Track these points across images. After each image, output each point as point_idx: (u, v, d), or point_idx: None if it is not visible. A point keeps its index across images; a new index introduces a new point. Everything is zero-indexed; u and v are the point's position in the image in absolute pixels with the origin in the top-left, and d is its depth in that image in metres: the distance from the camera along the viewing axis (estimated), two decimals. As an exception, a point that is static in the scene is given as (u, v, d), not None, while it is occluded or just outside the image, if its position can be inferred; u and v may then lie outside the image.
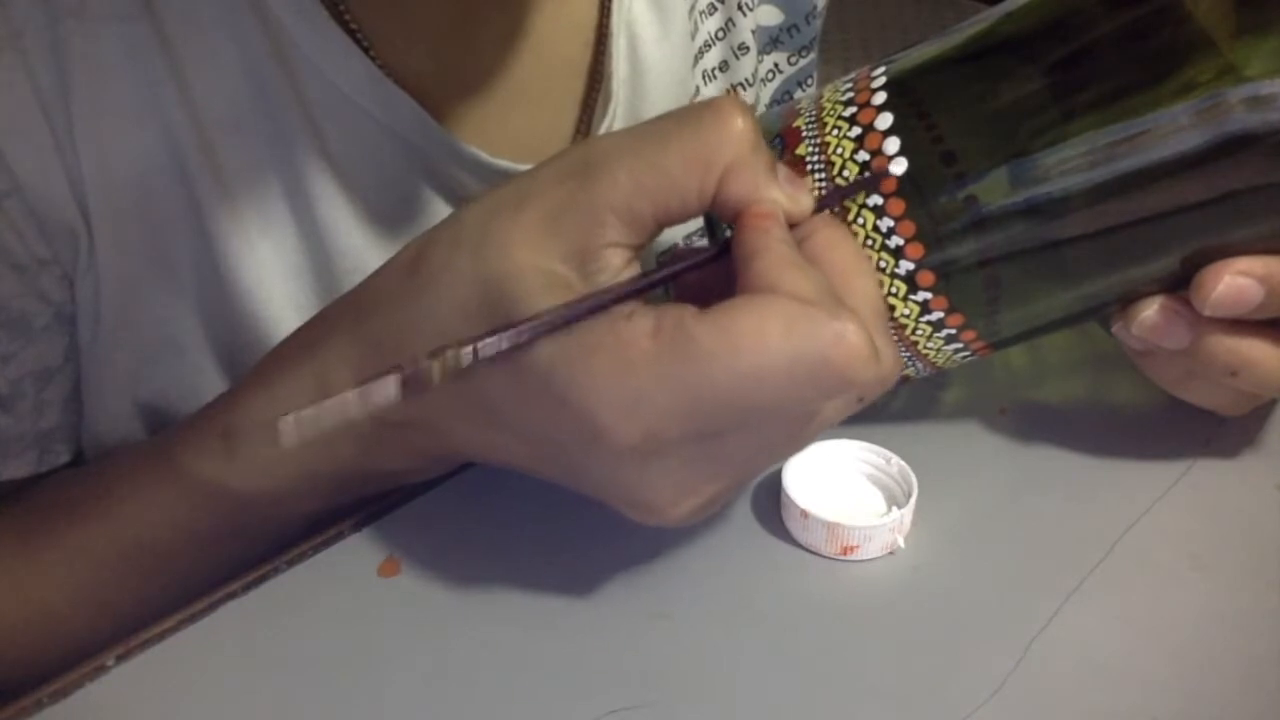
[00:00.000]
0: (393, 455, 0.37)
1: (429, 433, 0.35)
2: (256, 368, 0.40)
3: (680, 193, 0.32)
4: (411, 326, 0.34)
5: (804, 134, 0.37)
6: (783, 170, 0.33)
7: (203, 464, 0.39)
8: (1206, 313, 0.35)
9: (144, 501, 0.41)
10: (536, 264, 0.31)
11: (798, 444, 0.33)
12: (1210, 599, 0.37)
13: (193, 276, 0.45)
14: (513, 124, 0.50)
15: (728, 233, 0.33)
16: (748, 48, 0.58)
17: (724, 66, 0.58)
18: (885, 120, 0.36)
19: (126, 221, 0.43)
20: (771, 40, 0.60)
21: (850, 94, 0.37)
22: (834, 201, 0.35)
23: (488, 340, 0.30)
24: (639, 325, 0.30)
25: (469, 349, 0.29)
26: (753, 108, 0.55)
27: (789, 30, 0.60)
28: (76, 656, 0.35)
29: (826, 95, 0.38)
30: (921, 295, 0.36)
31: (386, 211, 0.48)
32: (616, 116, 0.52)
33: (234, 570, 0.38)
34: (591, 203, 0.32)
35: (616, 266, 0.32)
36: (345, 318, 0.37)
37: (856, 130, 0.36)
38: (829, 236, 0.33)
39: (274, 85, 0.44)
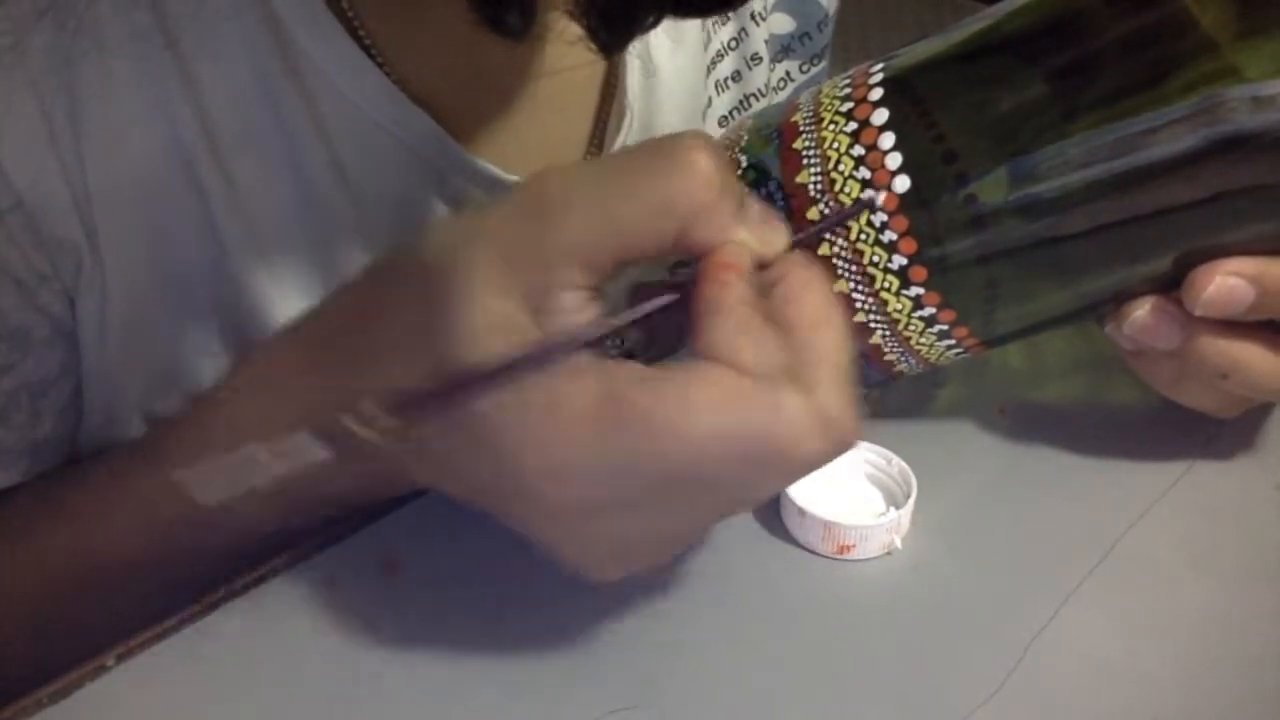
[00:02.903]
0: (351, 481, 0.36)
1: (388, 463, 0.34)
2: (219, 389, 0.40)
3: (640, 242, 0.31)
4: (356, 363, 0.33)
5: (801, 129, 0.37)
6: (755, 207, 0.32)
7: (155, 489, 0.38)
8: (1198, 313, 0.35)
9: (102, 521, 0.41)
10: (486, 303, 0.30)
11: (743, 509, 0.32)
12: (1210, 599, 0.37)
13: (205, 293, 0.45)
14: (527, 138, 0.50)
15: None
16: (760, 57, 0.57)
17: (737, 76, 0.57)
18: (881, 116, 0.36)
19: (137, 238, 0.43)
20: (783, 48, 0.60)
21: (848, 89, 0.37)
22: (831, 225, 0.35)
23: (423, 406, 0.29)
24: (579, 387, 0.29)
25: (391, 409, 0.29)
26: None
27: (801, 38, 0.60)
28: (55, 667, 0.34)
29: (825, 91, 0.38)
30: (914, 291, 0.36)
31: (398, 225, 0.47)
32: (632, 129, 0.52)
33: (193, 590, 0.37)
34: (546, 248, 0.31)
35: (572, 308, 0.31)
36: (297, 349, 0.36)
37: (853, 125, 0.36)
38: (801, 279, 0.31)
39: (287, 99, 0.44)
